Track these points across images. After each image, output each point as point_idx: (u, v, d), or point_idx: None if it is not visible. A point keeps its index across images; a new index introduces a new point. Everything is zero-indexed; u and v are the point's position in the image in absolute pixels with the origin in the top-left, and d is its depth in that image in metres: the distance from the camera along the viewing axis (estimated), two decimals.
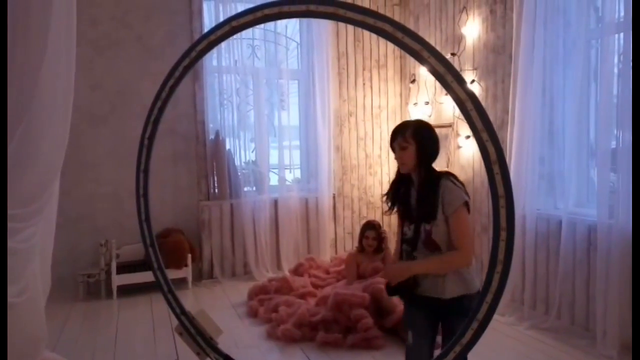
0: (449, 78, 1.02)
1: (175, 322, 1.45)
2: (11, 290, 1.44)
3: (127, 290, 3.70)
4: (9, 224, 1.32)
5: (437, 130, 4.13)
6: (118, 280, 3.67)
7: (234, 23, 1.22)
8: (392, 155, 4.78)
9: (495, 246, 1.02)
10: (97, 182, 3.93)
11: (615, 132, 2.62)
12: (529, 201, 3.10)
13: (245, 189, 4.26)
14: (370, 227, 3.37)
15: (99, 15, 3.88)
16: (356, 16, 1.06)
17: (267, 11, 1.13)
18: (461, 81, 1.02)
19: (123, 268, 3.73)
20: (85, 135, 3.87)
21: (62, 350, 2.80)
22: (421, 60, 1.03)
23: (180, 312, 1.41)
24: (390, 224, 4.77)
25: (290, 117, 4.55)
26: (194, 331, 1.35)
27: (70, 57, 1.76)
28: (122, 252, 3.82)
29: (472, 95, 1.01)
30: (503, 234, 1.02)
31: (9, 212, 1.30)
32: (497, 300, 1.07)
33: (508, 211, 1.01)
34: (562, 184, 3.02)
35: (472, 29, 3.65)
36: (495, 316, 3.14)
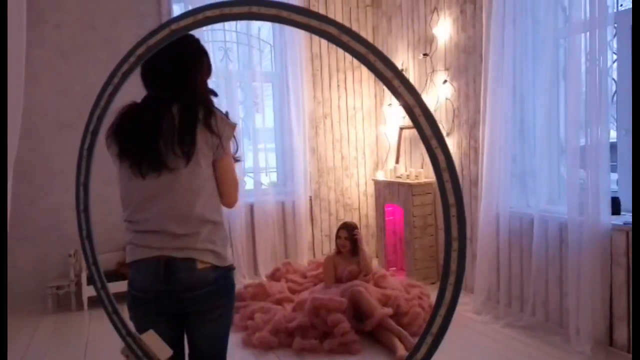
0: (396, 83, 0.99)
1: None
2: None
3: (98, 302, 3.59)
4: None
5: (412, 132, 4.17)
6: (89, 291, 3.56)
7: (174, 26, 1.17)
8: (368, 156, 4.77)
9: (448, 257, 0.99)
10: (65, 190, 3.81)
11: (584, 129, 2.64)
12: (502, 200, 3.12)
13: None
14: (343, 227, 3.34)
15: (65, 19, 3.77)
16: (300, 18, 1.02)
17: (208, 13, 1.08)
18: (409, 86, 0.99)
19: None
20: (52, 142, 3.75)
21: None
22: (367, 64, 1.00)
23: (125, 333, 1.35)
24: (368, 225, 4.77)
25: (265, 119, 4.50)
26: (140, 353, 1.28)
27: (20, 64, 1.69)
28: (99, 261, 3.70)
29: (420, 101, 0.98)
30: (455, 244, 0.98)
31: None
32: (451, 313, 1.04)
33: (459, 220, 0.98)
34: (533, 182, 3.05)
35: (444, 29, 3.67)
36: (471, 315, 3.21)
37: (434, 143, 0.97)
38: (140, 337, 1.28)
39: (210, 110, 1.38)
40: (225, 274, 1.43)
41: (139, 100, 1.42)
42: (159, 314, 1.40)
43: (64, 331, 3.24)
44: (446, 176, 0.97)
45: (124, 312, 1.44)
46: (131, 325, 1.32)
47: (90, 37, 3.83)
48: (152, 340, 1.26)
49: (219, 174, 1.41)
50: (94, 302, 3.58)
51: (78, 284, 3.62)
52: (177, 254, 1.35)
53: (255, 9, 1.04)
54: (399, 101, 1.01)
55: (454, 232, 0.99)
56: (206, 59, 1.46)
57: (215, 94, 1.49)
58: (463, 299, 3.47)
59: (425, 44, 3.93)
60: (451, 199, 0.98)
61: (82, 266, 3.61)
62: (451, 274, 1.00)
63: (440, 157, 0.97)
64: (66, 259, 3.66)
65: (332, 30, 1.00)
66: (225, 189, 1.43)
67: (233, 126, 1.41)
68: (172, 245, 1.35)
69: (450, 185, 0.97)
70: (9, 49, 1.61)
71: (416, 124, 0.99)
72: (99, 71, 3.86)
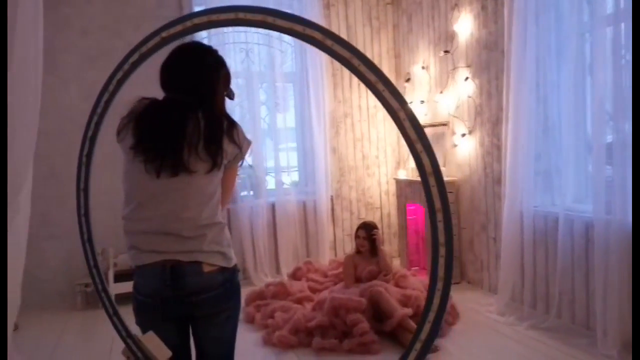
0: (380, 87, 0.98)
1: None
2: None
3: (125, 298, 3.68)
4: None
5: (433, 129, 4.13)
6: (116, 288, 3.65)
7: (164, 34, 1.20)
8: (389, 155, 4.75)
9: (435, 263, 0.98)
10: (92, 191, 3.91)
11: (611, 125, 2.56)
12: (526, 198, 3.05)
13: (243, 193, 4.23)
14: (362, 227, 3.33)
15: (90, 25, 3.88)
16: (285, 24, 1.03)
17: (196, 20, 1.11)
18: (393, 90, 0.98)
19: (121, 276, 3.71)
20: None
21: None
22: (351, 68, 1.00)
23: (126, 335, 1.38)
24: (390, 224, 4.74)
25: (287, 119, 4.52)
26: (140, 355, 1.31)
27: (37, 71, 1.74)
28: (120, 261, 3.81)
29: (404, 105, 0.97)
30: (442, 250, 0.97)
31: None
32: (439, 319, 1.02)
33: (446, 225, 0.97)
34: (559, 180, 2.97)
35: (465, 25, 3.61)
36: (495, 316, 3.15)
37: (419, 147, 0.96)
38: (140, 339, 1.30)
39: (232, 122, 1.42)
40: (231, 276, 1.43)
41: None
42: (165, 318, 1.40)
43: (92, 327, 3.34)
44: (432, 181, 0.96)
45: (130, 313, 1.46)
46: (136, 329, 1.32)
47: (114, 42, 3.93)
48: (151, 341, 1.29)
49: (224, 180, 1.44)
50: (121, 299, 3.67)
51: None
52: (183, 258, 1.35)
53: (241, 15, 1.06)
54: (382, 104, 1.00)
55: (441, 238, 0.97)
56: (224, 70, 1.47)
57: (232, 97, 1.51)
58: (487, 299, 3.42)
59: (446, 41, 3.88)
60: (437, 204, 0.96)
61: (109, 264, 3.71)
62: (439, 280, 0.99)
63: (426, 161, 0.96)
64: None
65: (316, 34, 1.01)
66: (226, 195, 1.47)
67: (250, 142, 1.47)
68: (178, 249, 1.34)
69: (437, 190, 0.96)
70: (26, 51, 1.66)
71: (400, 128, 0.98)
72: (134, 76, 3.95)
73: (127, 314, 1.52)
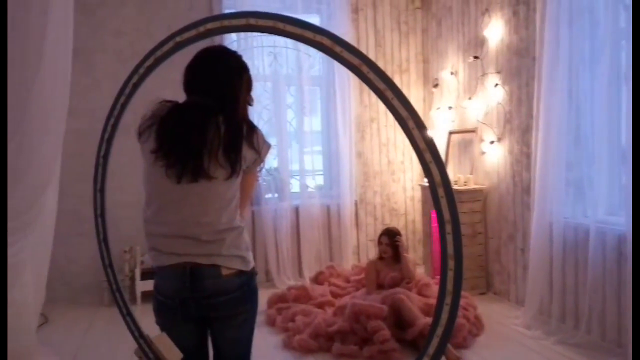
0: (389, 95, 0.96)
1: None
2: None
3: (150, 296, 3.76)
4: None
5: (461, 136, 4.06)
6: (142, 286, 3.73)
7: (178, 39, 1.21)
8: (415, 161, 4.69)
9: (444, 276, 0.95)
10: (120, 190, 4.01)
11: None
12: (556, 209, 2.97)
13: (267, 196, 4.26)
14: (385, 234, 3.30)
15: (123, 26, 3.98)
16: (295, 30, 1.02)
17: (209, 25, 1.11)
18: (402, 98, 0.96)
19: (147, 274, 3.78)
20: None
21: (82, 356, 2.87)
22: (361, 75, 0.98)
23: (138, 335, 1.40)
24: (415, 230, 4.68)
25: (313, 123, 4.53)
26: (152, 356, 1.33)
27: (66, 70, 1.79)
28: (146, 259, 3.88)
29: (413, 114, 0.95)
30: (451, 263, 0.93)
31: None
32: (448, 334, 0.98)
33: (455, 238, 0.94)
34: (591, 191, 2.88)
35: (495, 31, 3.55)
36: (521, 329, 3.07)
37: (427, 157, 0.94)
38: (151, 340, 1.32)
39: (252, 127, 1.42)
40: (249, 280, 1.44)
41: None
42: (184, 319, 1.43)
43: (118, 323, 3.39)
44: (441, 192, 0.93)
45: (150, 312, 1.48)
46: (155, 329, 1.34)
47: (146, 43, 3.96)
48: (163, 342, 1.30)
49: (243, 184, 1.44)
50: (147, 296, 3.75)
51: (132, 279, 3.80)
52: (202, 261, 1.37)
53: (252, 21, 1.06)
54: (391, 112, 0.98)
55: (450, 250, 0.94)
56: (247, 75, 1.48)
57: (251, 103, 1.51)
58: (513, 311, 3.33)
59: (475, 47, 3.81)
60: (447, 215, 0.93)
61: (136, 262, 3.80)
62: (448, 294, 0.96)
63: (435, 171, 0.93)
64: (121, 255, 3.85)
65: (325, 41, 1.00)
66: (245, 199, 1.47)
67: (269, 146, 1.46)
68: (197, 252, 1.36)
69: (446, 201, 0.93)
70: (56, 53, 1.71)
71: (409, 137, 0.96)
72: (153, 76, 4.04)
73: (151, 312, 1.54)
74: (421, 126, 0.95)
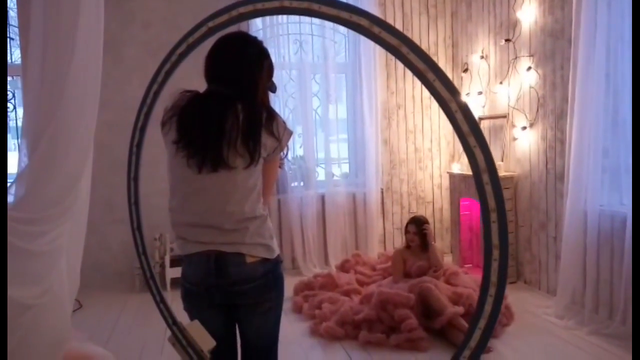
0: (431, 76, 0.92)
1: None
2: (33, 291, 1.50)
3: (179, 283, 3.84)
4: (32, 228, 1.37)
5: (491, 122, 3.96)
6: (172, 272, 3.80)
7: (210, 24, 1.19)
8: (444, 148, 4.62)
9: (488, 267, 0.90)
10: (152, 179, 4.08)
11: None
12: (591, 197, 2.86)
13: (293, 184, 4.27)
14: (412, 222, 3.26)
15: (151, 18, 4.02)
16: (331, 11, 0.98)
17: (242, 9, 1.09)
18: (444, 80, 0.91)
19: (176, 261, 3.86)
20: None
21: (114, 341, 2.96)
22: (400, 56, 0.94)
23: (172, 322, 1.41)
24: (442, 219, 4.62)
25: (338, 111, 4.49)
26: (185, 342, 1.34)
27: (98, 61, 1.81)
28: (175, 246, 3.95)
29: (456, 95, 0.90)
30: (496, 253, 0.89)
31: (33, 215, 1.36)
32: (491, 327, 0.94)
33: (500, 226, 0.89)
34: (628, 178, 2.76)
35: (528, 12, 3.42)
36: (553, 319, 3.00)
37: (471, 141, 0.89)
38: (185, 327, 1.33)
39: (272, 114, 1.40)
40: (274, 267, 1.44)
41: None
42: (210, 306, 1.45)
43: (149, 309, 3.48)
44: (486, 178, 0.88)
45: (179, 298, 1.51)
46: (184, 316, 1.35)
47: (173, 34, 3.98)
48: (196, 330, 1.32)
49: (265, 172, 1.43)
50: (176, 283, 3.82)
51: (162, 266, 3.88)
52: (227, 249, 1.37)
53: (286, 3, 1.03)
54: (433, 94, 0.93)
55: (495, 240, 0.89)
56: (268, 62, 1.46)
57: (274, 90, 1.49)
58: (544, 301, 3.26)
59: (507, 29, 3.69)
60: (492, 203, 0.89)
61: (166, 249, 3.87)
62: (491, 286, 0.91)
63: (479, 156, 0.88)
64: (152, 242, 3.93)
65: (362, 21, 0.96)
66: (267, 187, 1.46)
67: (290, 133, 1.43)
68: (221, 240, 1.37)
69: (491, 188, 0.88)
70: (87, 45, 1.73)
71: (452, 121, 0.91)
72: (181, 68, 4.08)
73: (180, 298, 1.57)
74: (465, 109, 0.90)
